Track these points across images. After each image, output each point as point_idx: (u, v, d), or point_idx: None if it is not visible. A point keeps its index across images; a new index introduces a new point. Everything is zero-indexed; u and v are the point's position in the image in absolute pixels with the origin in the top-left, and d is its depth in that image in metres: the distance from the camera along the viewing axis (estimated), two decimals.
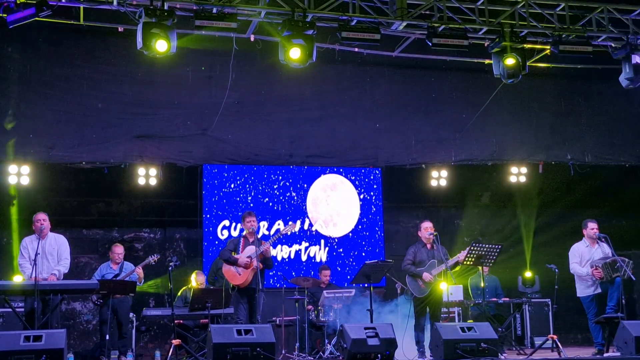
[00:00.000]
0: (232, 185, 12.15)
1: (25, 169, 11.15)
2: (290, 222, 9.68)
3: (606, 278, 9.32)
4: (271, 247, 9.32)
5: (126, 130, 11.19)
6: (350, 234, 12.55)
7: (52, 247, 8.97)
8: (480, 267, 10.32)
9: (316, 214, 12.49)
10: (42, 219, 8.95)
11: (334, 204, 12.60)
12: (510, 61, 10.10)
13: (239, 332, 7.71)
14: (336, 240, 12.48)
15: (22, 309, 8.98)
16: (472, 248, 9.54)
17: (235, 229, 11.97)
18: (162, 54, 9.02)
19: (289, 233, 9.67)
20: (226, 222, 12.03)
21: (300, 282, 11.07)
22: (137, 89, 11.18)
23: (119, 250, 10.21)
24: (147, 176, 11.74)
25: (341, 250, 12.44)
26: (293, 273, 11.92)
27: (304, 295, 10.58)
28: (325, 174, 12.62)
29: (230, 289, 9.25)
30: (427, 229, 9.63)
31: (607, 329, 9.28)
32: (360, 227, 12.62)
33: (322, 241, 12.45)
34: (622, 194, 13.69)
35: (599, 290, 9.48)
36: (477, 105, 12.23)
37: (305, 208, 12.44)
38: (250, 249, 9.12)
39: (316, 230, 12.43)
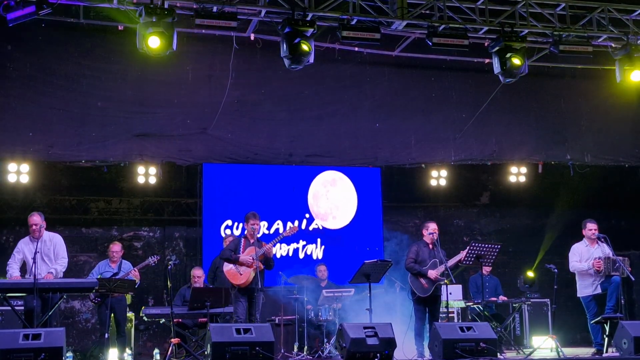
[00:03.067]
0: (232, 184, 12.15)
1: (25, 167, 11.16)
2: (289, 225, 9.71)
3: (605, 272, 9.34)
4: (273, 248, 9.35)
5: (126, 128, 11.18)
6: (349, 231, 12.58)
7: (48, 247, 8.87)
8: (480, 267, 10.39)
9: (317, 208, 12.54)
10: (34, 223, 8.71)
11: (334, 199, 12.67)
12: (517, 61, 10.08)
13: (238, 331, 7.70)
14: (333, 237, 12.48)
15: (22, 308, 8.98)
16: (471, 248, 9.57)
17: (237, 228, 11.97)
18: (156, 50, 8.96)
19: (289, 235, 9.68)
20: (229, 222, 12.05)
21: (299, 281, 11.08)
22: (137, 88, 11.15)
23: (116, 248, 10.17)
24: (146, 175, 11.75)
25: (336, 247, 12.46)
26: (295, 266, 11.97)
27: (304, 295, 10.59)
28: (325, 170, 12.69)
29: (230, 288, 9.25)
30: (433, 229, 9.63)
31: (607, 329, 9.29)
32: (359, 225, 12.64)
33: (319, 240, 12.47)
34: (622, 194, 13.71)
35: (598, 291, 9.49)
36: (476, 105, 12.23)
37: (306, 206, 12.48)
38: (252, 250, 9.11)
39: (314, 229, 12.45)
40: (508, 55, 10.09)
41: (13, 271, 8.68)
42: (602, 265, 9.38)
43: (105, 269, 10.06)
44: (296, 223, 12.16)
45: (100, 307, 9.65)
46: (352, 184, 12.78)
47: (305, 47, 9.38)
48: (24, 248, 8.82)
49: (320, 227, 12.58)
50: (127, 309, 10.13)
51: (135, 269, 10.01)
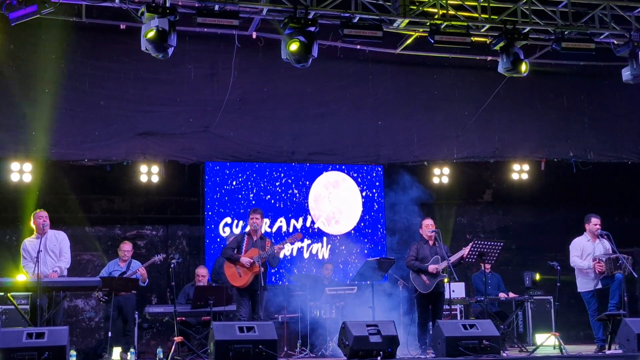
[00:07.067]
0: (234, 183, 12.16)
1: (28, 166, 11.19)
2: (295, 235, 9.76)
3: (608, 273, 9.34)
4: (282, 250, 9.42)
5: (128, 127, 11.20)
6: (353, 232, 12.56)
7: (54, 243, 9.03)
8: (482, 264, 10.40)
9: (318, 212, 12.50)
10: (45, 216, 9.02)
11: (336, 202, 12.61)
12: (523, 67, 10.09)
13: (241, 329, 7.71)
14: (338, 237, 12.48)
15: (26, 307, 9.02)
16: (474, 245, 9.57)
17: (237, 226, 11.98)
18: (151, 38, 8.88)
19: (293, 242, 9.72)
20: (228, 220, 12.03)
21: (302, 280, 11.08)
22: (139, 86, 11.18)
23: (126, 247, 10.24)
24: (149, 173, 11.77)
25: (343, 247, 12.44)
26: (295, 270, 11.93)
27: (307, 293, 10.59)
28: (327, 171, 12.64)
29: (230, 289, 9.26)
30: (428, 226, 9.66)
31: (610, 326, 9.29)
32: (362, 224, 12.63)
33: (325, 239, 12.45)
34: (624, 191, 13.69)
35: (599, 286, 9.50)
36: (479, 102, 12.23)
37: (307, 205, 12.44)
38: (254, 252, 9.09)
39: (318, 228, 12.44)
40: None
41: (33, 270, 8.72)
42: (604, 267, 9.37)
43: (115, 268, 10.15)
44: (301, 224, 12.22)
45: (108, 305, 9.68)
46: (357, 185, 12.71)
47: (292, 46, 9.35)
48: (29, 247, 8.92)
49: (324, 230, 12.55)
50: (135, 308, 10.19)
51: (143, 266, 10.07)
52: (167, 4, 9.03)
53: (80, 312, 12.04)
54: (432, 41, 10.04)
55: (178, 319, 9.29)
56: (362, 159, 12.60)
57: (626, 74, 10.69)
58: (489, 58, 11.48)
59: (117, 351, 9.53)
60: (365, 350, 7.95)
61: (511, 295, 11.22)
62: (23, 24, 8.87)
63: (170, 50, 8.99)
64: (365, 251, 12.44)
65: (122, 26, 10.41)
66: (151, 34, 8.77)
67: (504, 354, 8.82)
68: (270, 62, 11.20)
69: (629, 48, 10.51)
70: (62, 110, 10.87)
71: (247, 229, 9.65)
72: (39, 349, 7.00)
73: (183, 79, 11.36)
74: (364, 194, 12.72)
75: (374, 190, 12.76)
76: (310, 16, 9.55)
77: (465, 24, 10.21)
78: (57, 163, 11.37)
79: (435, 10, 10.21)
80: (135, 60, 10.85)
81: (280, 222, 12.26)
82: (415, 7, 10.14)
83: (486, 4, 10.38)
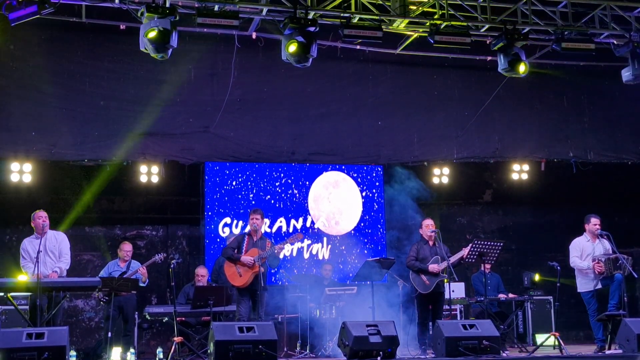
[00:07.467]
0: (234, 183, 12.16)
1: (28, 166, 11.20)
2: (295, 235, 9.77)
3: (607, 273, 9.35)
4: (282, 251, 9.42)
5: (128, 127, 11.18)
6: (353, 232, 12.55)
7: (53, 244, 9.02)
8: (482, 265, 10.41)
9: (318, 212, 12.49)
10: (44, 216, 9.01)
11: (336, 202, 12.61)
12: (522, 68, 10.09)
13: (241, 329, 7.71)
14: (338, 237, 12.48)
15: (26, 307, 9.01)
16: (474, 245, 9.57)
17: (236, 226, 11.98)
18: (152, 38, 8.85)
19: (294, 242, 9.72)
20: (227, 220, 12.03)
21: (302, 280, 11.09)
22: (139, 86, 11.17)
23: (127, 248, 10.25)
24: (149, 173, 11.78)
25: (343, 247, 12.43)
26: (295, 271, 11.92)
27: (306, 293, 10.59)
28: (327, 171, 12.64)
29: (230, 289, 9.26)
30: (428, 226, 9.67)
31: (609, 326, 9.29)
32: (362, 224, 12.63)
33: (325, 239, 12.45)
34: (624, 191, 13.69)
35: (599, 286, 9.51)
36: (479, 102, 12.23)
37: (307, 206, 12.44)
38: (254, 251, 9.10)
39: (318, 228, 12.43)
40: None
41: (32, 270, 8.71)
42: (603, 267, 9.38)
43: (114, 268, 10.15)
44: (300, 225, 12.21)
45: (108, 305, 9.68)
46: (357, 185, 12.70)
47: (291, 47, 9.35)
48: (28, 246, 8.91)
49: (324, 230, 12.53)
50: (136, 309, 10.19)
51: (144, 266, 10.07)
52: (167, 4, 9.03)
53: (80, 312, 12.04)
54: (432, 41, 10.03)
55: (178, 319, 9.29)
56: (362, 159, 12.60)
57: (626, 74, 10.69)
58: (489, 58, 11.47)
59: (117, 351, 9.52)
60: (365, 350, 7.94)
61: (511, 295, 11.23)
62: (23, 24, 8.87)
63: (170, 51, 8.99)
64: (365, 251, 12.44)
65: (122, 26, 10.40)
66: (152, 34, 8.77)
67: (504, 354, 8.82)
68: (270, 62, 11.20)
69: (629, 48, 10.50)
70: (62, 110, 10.87)
71: (247, 229, 9.66)
72: (39, 349, 6.99)
73: (183, 79, 11.34)
74: (364, 194, 12.72)
75: (374, 190, 12.76)
76: (310, 16, 9.55)
77: (465, 24, 10.21)
78: (57, 163, 11.37)
79: (435, 10, 10.21)
80: (135, 60, 10.84)
81: (280, 222, 12.26)
82: (415, 7, 10.14)
83: (486, 4, 10.38)
